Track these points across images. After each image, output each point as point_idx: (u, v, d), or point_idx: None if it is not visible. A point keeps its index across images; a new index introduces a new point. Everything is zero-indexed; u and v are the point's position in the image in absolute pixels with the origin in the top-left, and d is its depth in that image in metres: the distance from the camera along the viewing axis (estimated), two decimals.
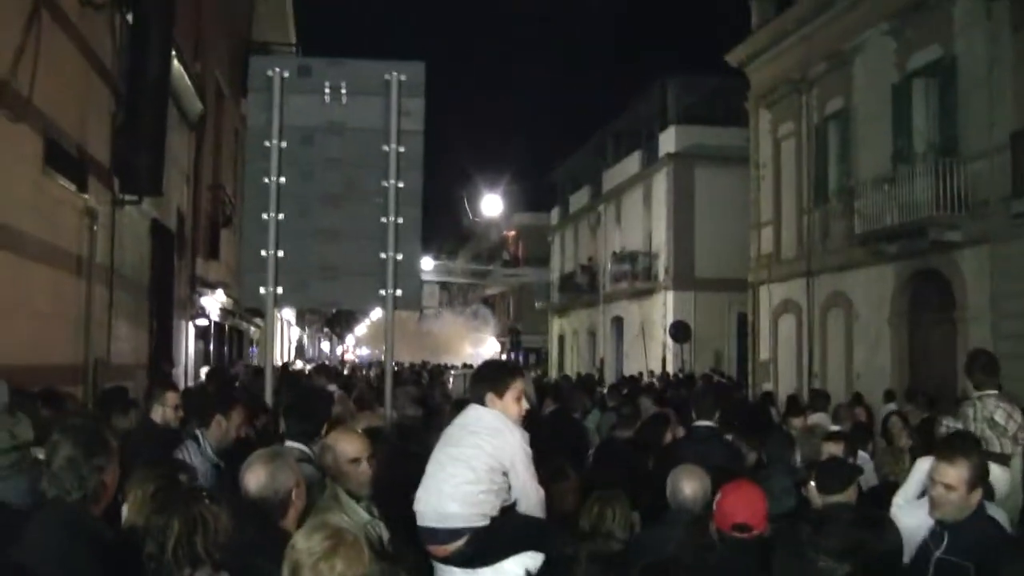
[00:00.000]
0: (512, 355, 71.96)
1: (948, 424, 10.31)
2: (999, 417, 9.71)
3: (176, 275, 21.01)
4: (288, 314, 51.60)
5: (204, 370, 23.62)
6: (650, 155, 46.75)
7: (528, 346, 72.77)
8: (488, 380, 6.53)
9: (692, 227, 43.24)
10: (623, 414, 12.55)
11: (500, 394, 6.39)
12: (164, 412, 9.14)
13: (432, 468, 6.29)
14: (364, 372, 46.56)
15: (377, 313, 61.14)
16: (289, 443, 7.58)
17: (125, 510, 5.71)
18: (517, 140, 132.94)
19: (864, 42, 28.52)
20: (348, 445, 6.48)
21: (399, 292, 10.58)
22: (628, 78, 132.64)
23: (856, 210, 27.36)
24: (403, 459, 7.14)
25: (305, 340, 75.14)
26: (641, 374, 37.66)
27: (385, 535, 6.22)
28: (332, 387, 17.81)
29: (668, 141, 44.30)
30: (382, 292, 10.59)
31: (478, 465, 6.11)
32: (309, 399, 9.19)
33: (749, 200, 36.51)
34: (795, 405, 17.76)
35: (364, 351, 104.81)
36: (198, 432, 8.22)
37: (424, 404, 15.21)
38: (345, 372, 41.46)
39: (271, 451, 6.23)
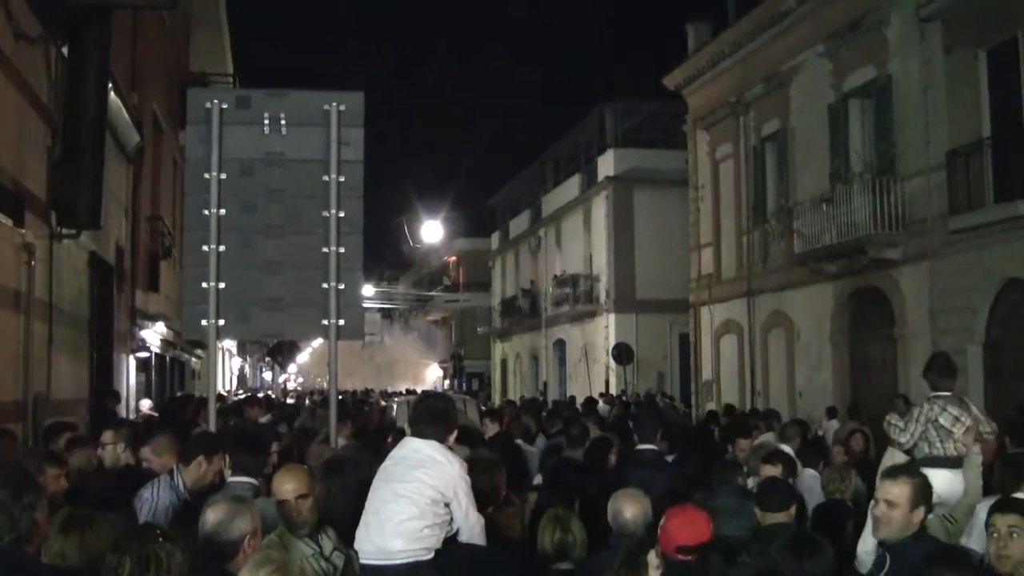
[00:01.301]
0: (455, 380, 72.00)
1: (892, 422, 10.34)
2: (944, 420, 9.64)
3: (116, 308, 20.80)
4: (230, 344, 51.25)
5: (144, 403, 23.35)
6: (589, 179, 46.89)
7: (471, 371, 72.77)
8: (427, 425, 6.62)
9: (632, 249, 43.31)
10: (572, 435, 12.48)
11: (441, 440, 6.53)
12: (111, 450, 9.04)
13: (374, 504, 6.31)
14: (308, 401, 46.28)
15: (318, 341, 60.80)
16: (235, 478, 7.46)
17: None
18: (457, 167, 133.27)
19: (800, 64, 28.81)
20: (279, 486, 6.44)
21: (342, 322, 10.49)
22: (567, 104, 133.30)
23: (795, 230, 27.55)
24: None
25: (247, 370, 74.66)
26: (577, 398, 37.79)
27: (332, 567, 6.21)
28: (265, 419, 17.63)
29: (607, 165, 44.45)
30: (325, 322, 10.51)
31: (420, 500, 6.15)
32: (251, 434, 9.02)
33: (689, 221, 36.72)
34: (740, 426, 17.73)
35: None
36: (174, 467, 7.96)
37: (361, 435, 15.09)
38: (289, 401, 41.15)
39: (237, 494, 6.19)
